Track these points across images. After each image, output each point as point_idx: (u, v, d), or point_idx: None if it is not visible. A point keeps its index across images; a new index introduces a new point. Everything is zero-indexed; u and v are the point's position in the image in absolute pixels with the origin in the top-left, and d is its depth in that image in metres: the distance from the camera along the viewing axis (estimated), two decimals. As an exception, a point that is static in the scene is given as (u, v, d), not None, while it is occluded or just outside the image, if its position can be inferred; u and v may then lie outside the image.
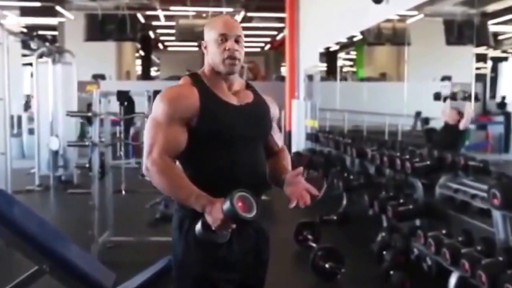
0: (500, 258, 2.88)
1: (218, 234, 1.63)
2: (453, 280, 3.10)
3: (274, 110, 1.97)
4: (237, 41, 1.79)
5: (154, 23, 15.31)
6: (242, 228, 1.70)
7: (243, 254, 1.79)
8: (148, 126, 1.77)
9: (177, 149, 1.73)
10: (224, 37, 1.77)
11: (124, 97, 4.51)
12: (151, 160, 1.69)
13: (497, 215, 3.04)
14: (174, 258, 1.81)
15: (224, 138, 1.75)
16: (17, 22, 11.76)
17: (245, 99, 1.85)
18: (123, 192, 4.65)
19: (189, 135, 1.74)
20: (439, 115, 5.17)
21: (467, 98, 4.91)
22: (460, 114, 4.84)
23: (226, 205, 1.55)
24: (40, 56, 7.57)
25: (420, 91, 6.06)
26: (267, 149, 1.94)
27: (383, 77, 8.60)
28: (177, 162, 1.77)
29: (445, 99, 5.11)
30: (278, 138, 2.01)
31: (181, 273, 1.79)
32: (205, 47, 1.84)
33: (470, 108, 4.81)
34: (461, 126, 4.80)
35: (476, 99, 5.12)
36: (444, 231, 3.48)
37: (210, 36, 1.81)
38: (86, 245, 3.83)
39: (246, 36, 1.84)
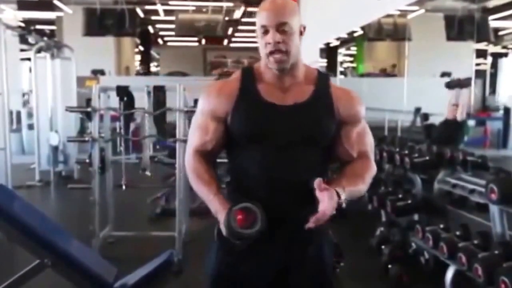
0: (496, 252, 2.91)
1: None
2: (450, 273, 3.14)
3: (347, 109, 1.62)
4: (281, 30, 1.51)
5: (153, 17, 15.27)
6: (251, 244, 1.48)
7: (263, 275, 1.63)
8: (193, 121, 1.70)
9: (211, 147, 1.63)
10: (264, 29, 1.53)
11: (124, 93, 4.52)
12: (186, 158, 1.67)
13: (494, 209, 3.05)
14: None
15: (253, 140, 1.58)
16: (14, 16, 11.72)
17: (297, 97, 1.58)
18: (124, 187, 4.66)
19: (227, 133, 1.62)
20: (441, 110, 5.18)
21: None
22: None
23: (224, 216, 1.45)
24: (38, 51, 7.54)
25: (420, 87, 6.08)
26: (340, 159, 1.67)
27: (383, 72, 8.64)
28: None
29: (453, 87, 5.10)
30: (352, 144, 1.65)
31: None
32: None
33: (465, 96, 4.79)
34: (458, 116, 4.80)
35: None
36: (441, 226, 3.50)
37: (257, 24, 1.57)
38: (87, 240, 3.86)
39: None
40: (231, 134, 1.61)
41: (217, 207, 1.51)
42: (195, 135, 1.66)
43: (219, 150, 1.67)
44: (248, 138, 1.58)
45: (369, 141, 1.70)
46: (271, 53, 1.53)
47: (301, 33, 1.57)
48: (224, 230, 1.46)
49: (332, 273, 1.75)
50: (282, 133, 1.55)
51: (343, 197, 1.47)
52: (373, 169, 1.67)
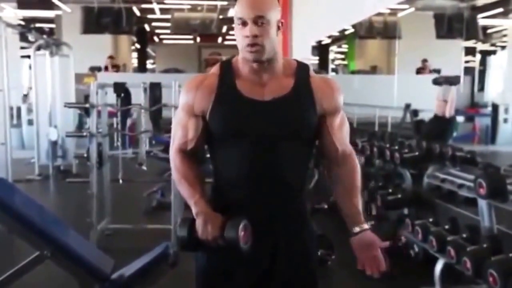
0: (485, 245, 2.95)
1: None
2: (439, 266, 3.17)
3: (328, 100, 1.62)
4: (258, 23, 1.49)
5: (150, 16, 15.30)
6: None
7: (252, 268, 1.64)
8: (174, 116, 1.71)
9: (192, 146, 1.63)
10: (242, 21, 1.51)
11: (121, 89, 4.58)
12: (170, 155, 1.67)
13: (482, 204, 3.09)
14: None
15: (234, 137, 1.57)
16: (14, 14, 11.77)
17: (276, 92, 1.57)
18: (121, 181, 4.73)
19: (207, 129, 1.61)
20: (430, 107, 5.25)
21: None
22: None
23: (231, 232, 1.49)
24: (38, 48, 7.61)
25: (410, 84, 6.14)
26: (324, 153, 1.68)
27: (373, 70, 8.69)
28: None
29: (440, 84, 5.16)
30: (338, 137, 1.65)
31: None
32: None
33: (453, 93, 4.85)
34: (447, 113, 4.86)
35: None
36: (431, 220, 3.54)
37: (234, 16, 1.55)
38: (85, 232, 3.89)
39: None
40: (211, 131, 1.60)
41: (200, 210, 1.56)
42: (177, 133, 1.65)
43: (202, 146, 1.66)
44: (228, 135, 1.57)
45: (347, 132, 1.70)
46: (248, 45, 1.50)
47: (278, 28, 1.55)
48: (216, 236, 1.52)
49: (316, 262, 1.80)
50: (263, 129, 1.54)
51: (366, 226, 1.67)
52: (359, 167, 1.73)
